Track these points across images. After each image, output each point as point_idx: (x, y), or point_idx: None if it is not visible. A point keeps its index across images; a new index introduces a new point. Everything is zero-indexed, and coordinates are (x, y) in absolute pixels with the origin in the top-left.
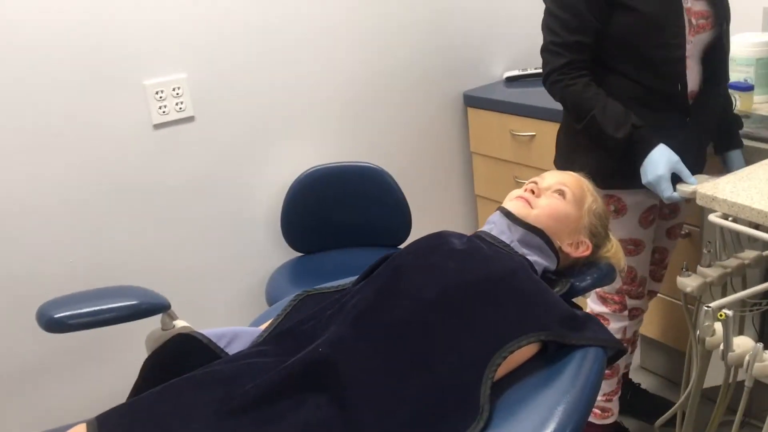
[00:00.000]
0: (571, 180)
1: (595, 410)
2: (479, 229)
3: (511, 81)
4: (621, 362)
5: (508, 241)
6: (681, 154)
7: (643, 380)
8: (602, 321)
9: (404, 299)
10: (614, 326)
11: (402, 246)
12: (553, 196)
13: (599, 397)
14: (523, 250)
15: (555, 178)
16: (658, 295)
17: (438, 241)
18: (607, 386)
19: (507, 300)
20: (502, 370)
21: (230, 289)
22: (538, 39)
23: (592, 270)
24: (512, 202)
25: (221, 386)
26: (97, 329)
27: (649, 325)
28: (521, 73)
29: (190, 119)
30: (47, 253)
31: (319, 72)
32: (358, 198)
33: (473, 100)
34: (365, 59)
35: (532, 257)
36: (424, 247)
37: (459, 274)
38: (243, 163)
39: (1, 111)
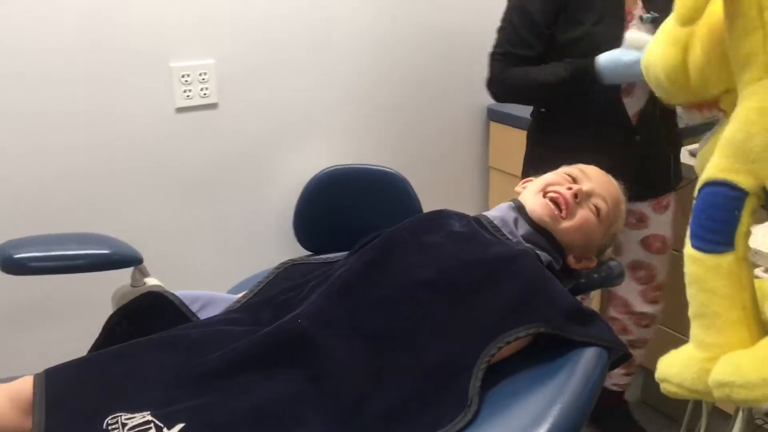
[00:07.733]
0: (613, 196)
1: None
2: (483, 213)
3: None
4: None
5: (508, 234)
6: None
7: (643, 416)
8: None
9: (395, 276)
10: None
11: None
12: (591, 210)
13: None
14: (526, 245)
15: (601, 185)
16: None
17: (438, 220)
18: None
19: (507, 286)
20: (494, 358)
21: (230, 278)
22: None
23: (601, 268)
24: (544, 207)
25: (185, 351)
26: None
27: (654, 358)
28: None
29: (214, 106)
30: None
31: (344, 73)
32: (375, 203)
33: (496, 115)
34: (392, 62)
35: (537, 251)
36: (423, 224)
37: (456, 255)
38: (261, 156)
39: (26, 88)
